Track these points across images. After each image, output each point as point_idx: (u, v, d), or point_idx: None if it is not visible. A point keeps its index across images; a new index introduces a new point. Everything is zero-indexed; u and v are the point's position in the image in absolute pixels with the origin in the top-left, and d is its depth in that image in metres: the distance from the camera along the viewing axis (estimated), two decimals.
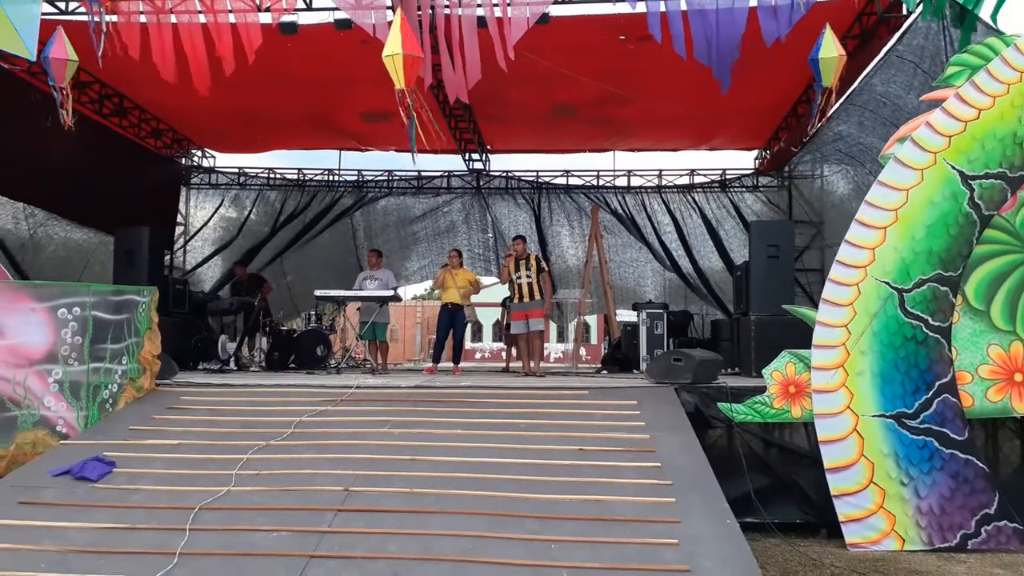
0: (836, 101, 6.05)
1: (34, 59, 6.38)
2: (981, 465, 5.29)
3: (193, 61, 6.80)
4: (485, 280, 11.70)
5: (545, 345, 9.19)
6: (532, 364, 8.67)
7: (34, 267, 9.81)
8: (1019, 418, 5.69)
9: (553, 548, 3.67)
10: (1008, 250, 5.49)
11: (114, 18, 6.62)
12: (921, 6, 6.86)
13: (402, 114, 5.78)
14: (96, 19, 6.33)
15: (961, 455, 5.29)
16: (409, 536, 3.81)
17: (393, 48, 5.81)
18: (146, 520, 4.02)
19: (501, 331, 11.99)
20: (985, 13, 6.04)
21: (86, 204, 10.38)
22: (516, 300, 8.61)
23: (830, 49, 5.78)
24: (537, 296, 8.49)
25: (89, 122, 9.94)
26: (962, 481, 5.26)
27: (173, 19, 6.82)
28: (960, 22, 6.44)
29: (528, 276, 8.48)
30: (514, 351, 11.36)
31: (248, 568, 3.53)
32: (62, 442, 5.29)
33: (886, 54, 8.36)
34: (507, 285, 8.74)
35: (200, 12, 6.80)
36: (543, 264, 8.71)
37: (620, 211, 13.53)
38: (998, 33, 5.85)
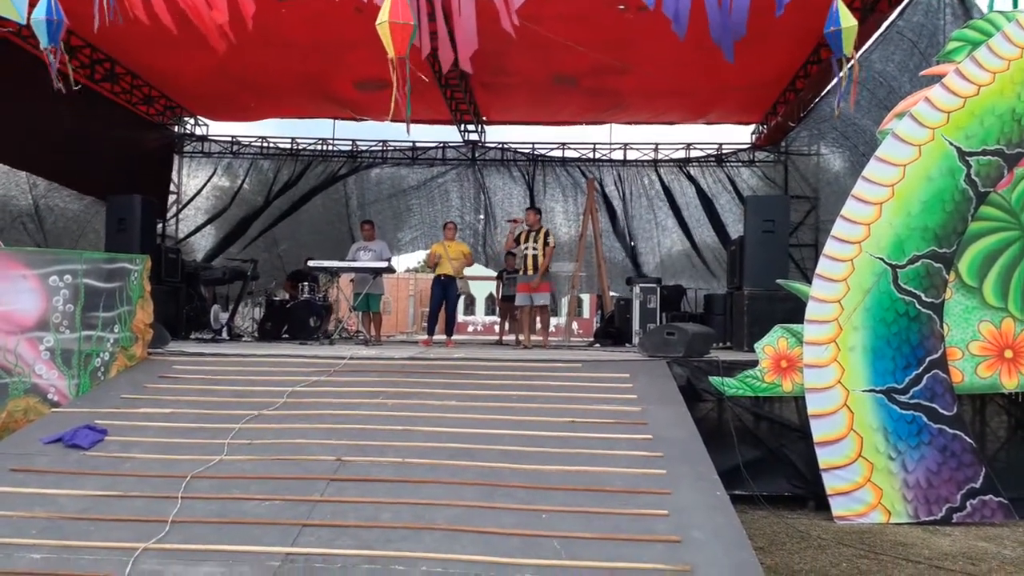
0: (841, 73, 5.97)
1: (24, 22, 6.25)
2: (968, 440, 5.34)
3: (200, 22, 6.67)
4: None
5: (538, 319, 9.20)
6: (533, 336, 8.68)
7: (37, 239, 9.81)
8: (1007, 394, 5.75)
9: (544, 518, 3.70)
10: (1003, 227, 5.49)
11: None
12: None
13: (394, 83, 5.70)
14: None
15: (949, 430, 5.33)
16: (401, 505, 3.83)
17: (384, 15, 5.73)
18: (138, 488, 4.02)
19: (496, 304, 12.01)
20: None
21: (79, 171, 10.31)
22: (523, 272, 8.57)
23: (848, 18, 5.71)
24: (543, 270, 8.46)
25: (81, 88, 9.82)
26: (949, 455, 5.31)
27: None
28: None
29: (535, 248, 8.41)
30: (507, 324, 11.40)
31: (241, 536, 3.53)
32: (54, 410, 5.28)
33: (887, 29, 8.30)
34: (511, 255, 8.68)
35: None
36: (550, 239, 8.61)
37: (613, 190, 13.50)
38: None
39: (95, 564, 3.31)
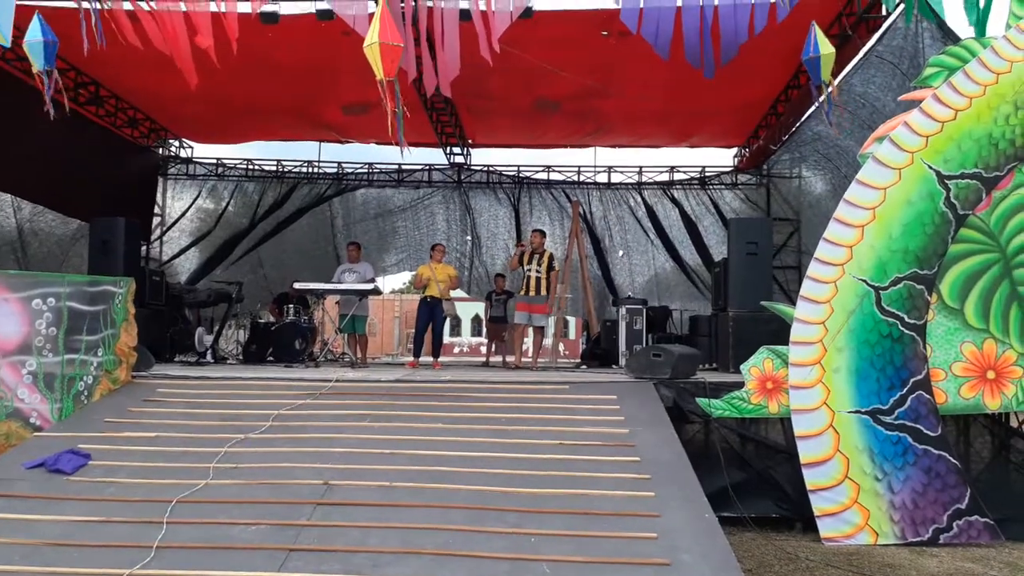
0: (820, 98, 6.10)
1: (8, 44, 6.25)
2: (953, 460, 5.38)
3: (177, 53, 6.68)
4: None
5: (525, 340, 9.21)
6: (524, 358, 8.68)
7: (22, 263, 9.74)
8: (990, 414, 5.80)
9: (533, 541, 3.69)
10: (982, 249, 5.57)
11: (108, 4, 6.45)
12: (902, 6, 6.94)
13: (385, 104, 5.70)
14: (96, 5, 6.15)
15: (934, 451, 5.37)
16: (389, 529, 3.80)
17: (373, 37, 5.76)
18: (122, 513, 3.97)
19: (484, 325, 12.01)
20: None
21: (64, 194, 10.27)
22: (523, 292, 8.66)
23: (825, 46, 5.82)
24: (544, 292, 8.53)
25: (65, 110, 9.78)
26: (935, 476, 5.34)
27: (154, 5, 6.70)
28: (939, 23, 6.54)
29: (538, 271, 8.51)
30: (494, 346, 11.39)
31: (227, 561, 3.50)
32: (36, 434, 5.22)
33: (866, 54, 8.44)
34: (500, 276, 8.66)
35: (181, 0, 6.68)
36: (555, 263, 8.71)
37: (597, 212, 13.59)
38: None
39: None
